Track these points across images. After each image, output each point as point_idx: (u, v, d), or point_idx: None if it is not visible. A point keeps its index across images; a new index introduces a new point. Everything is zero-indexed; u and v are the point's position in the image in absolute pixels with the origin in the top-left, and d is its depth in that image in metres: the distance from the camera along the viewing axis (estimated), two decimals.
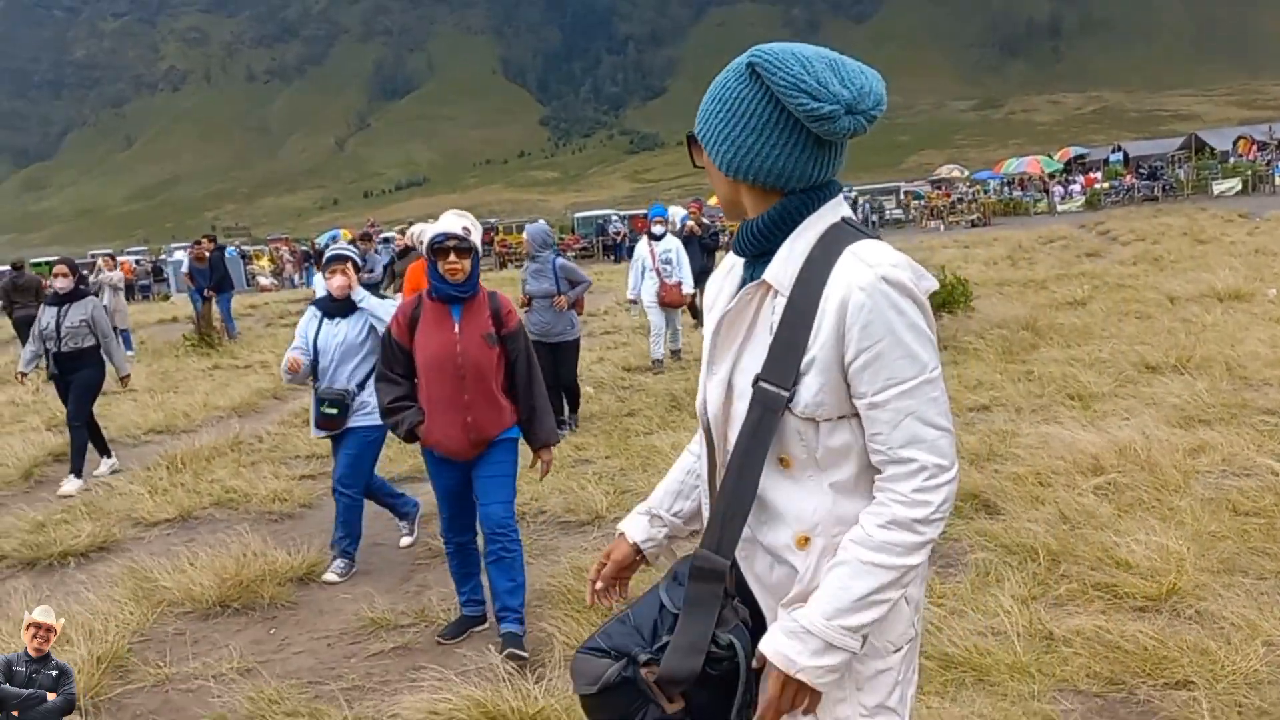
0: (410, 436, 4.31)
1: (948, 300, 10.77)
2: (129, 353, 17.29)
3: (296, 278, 40.01)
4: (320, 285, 6.37)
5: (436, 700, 3.56)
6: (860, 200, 46.63)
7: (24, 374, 8.34)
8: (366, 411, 5.40)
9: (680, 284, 11.03)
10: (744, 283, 1.82)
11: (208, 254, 17.32)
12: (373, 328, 5.48)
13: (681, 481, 2.05)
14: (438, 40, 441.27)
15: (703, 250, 14.76)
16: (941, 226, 39.36)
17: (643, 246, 11.48)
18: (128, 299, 35.79)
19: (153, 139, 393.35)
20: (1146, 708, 3.28)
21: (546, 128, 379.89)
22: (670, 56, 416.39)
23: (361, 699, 3.93)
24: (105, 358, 8.12)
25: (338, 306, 5.59)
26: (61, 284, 7.96)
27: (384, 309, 5.53)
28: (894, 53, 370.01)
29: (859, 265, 1.64)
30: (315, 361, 5.50)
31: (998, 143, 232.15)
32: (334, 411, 5.38)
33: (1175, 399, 6.97)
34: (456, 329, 4.20)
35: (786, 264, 1.71)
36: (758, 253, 1.78)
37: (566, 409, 8.44)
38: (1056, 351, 9.40)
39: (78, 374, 7.95)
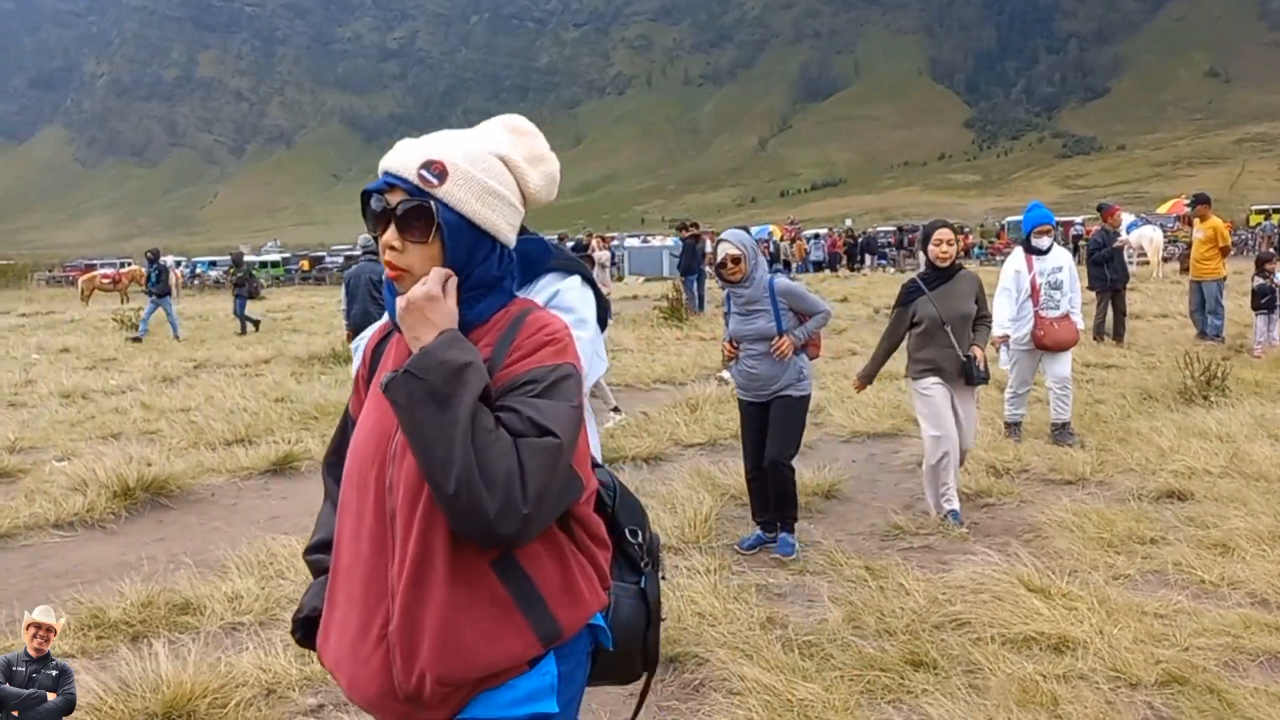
0: (302, 636, 1.98)
1: None
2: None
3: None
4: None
5: (984, 573, 4.59)
6: None
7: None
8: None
9: (1069, 316, 7.69)
10: None
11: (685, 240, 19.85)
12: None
13: None
14: (866, 41, 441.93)
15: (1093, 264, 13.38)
16: None
17: (1017, 260, 7.87)
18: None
19: (596, 138, 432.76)
20: None
21: (971, 129, 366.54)
22: (1116, 54, 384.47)
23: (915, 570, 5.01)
24: None
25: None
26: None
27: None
28: None
29: None
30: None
31: None
32: None
33: None
34: None
35: None
36: None
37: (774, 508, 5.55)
38: None
39: None
